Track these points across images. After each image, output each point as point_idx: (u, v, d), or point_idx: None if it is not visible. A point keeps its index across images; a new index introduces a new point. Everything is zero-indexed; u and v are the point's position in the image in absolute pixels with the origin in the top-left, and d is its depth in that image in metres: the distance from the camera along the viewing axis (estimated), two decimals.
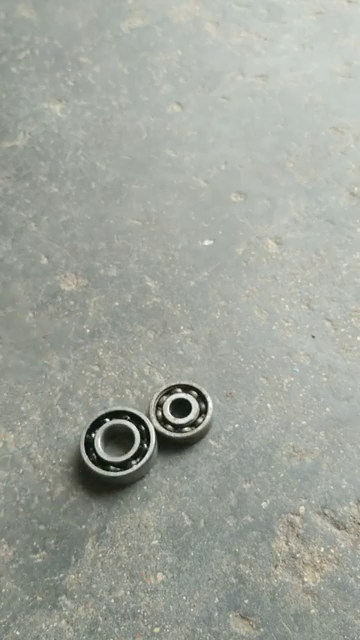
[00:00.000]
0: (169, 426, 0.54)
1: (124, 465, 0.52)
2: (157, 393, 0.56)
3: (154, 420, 0.54)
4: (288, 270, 0.64)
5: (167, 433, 0.53)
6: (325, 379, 0.57)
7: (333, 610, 0.47)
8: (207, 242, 0.66)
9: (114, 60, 0.82)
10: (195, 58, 0.82)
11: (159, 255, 0.65)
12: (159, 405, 0.55)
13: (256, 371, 0.58)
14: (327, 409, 0.56)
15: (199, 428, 0.53)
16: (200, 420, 0.54)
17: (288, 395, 0.56)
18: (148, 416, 0.54)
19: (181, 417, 0.54)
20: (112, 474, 0.51)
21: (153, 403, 0.55)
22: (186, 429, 0.54)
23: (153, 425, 0.53)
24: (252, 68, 0.81)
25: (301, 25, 0.85)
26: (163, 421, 0.54)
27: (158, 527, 0.50)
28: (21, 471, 0.53)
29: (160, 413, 0.55)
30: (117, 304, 0.62)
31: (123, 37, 0.84)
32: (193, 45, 0.83)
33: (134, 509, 0.51)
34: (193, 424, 0.54)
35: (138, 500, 0.51)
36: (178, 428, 0.54)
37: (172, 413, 0.55)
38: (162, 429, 0.54)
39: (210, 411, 0.54)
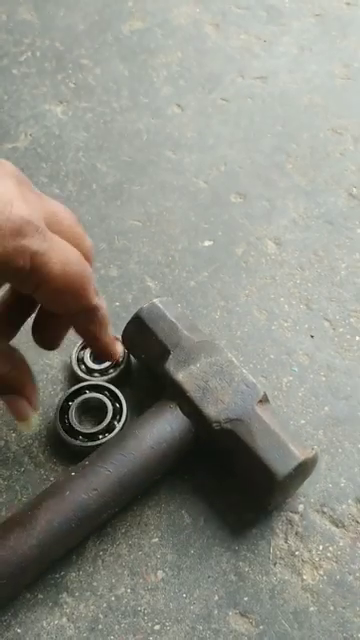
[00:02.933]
0: (80, 437, 0.52)
1: (91, 437, 0.52)
2: (60, 396, 0.55)
3: (61, 431, 0.53)
4: (287, 270, 0.65)
5: (75, 442, 0.52)
6: (324, 378, 0.58)
7: (332, 608, 0.48)
8: (207, 243, 0.67)
9: (115, 62, 0.83)
10: (195, 60, 0.82)
11: (159, 256, 0.66)
12: (63, 410, 0.54)
13: (255, 370, 0.58)
14: (326, 408, 0.56)
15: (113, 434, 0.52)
16: (116, 423, 0.53)
17: (287, 394, 0.57)
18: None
19: (93, 424, 0.53)
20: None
21: (57, 405, 0.54)
22: (100, 437, 0.52)
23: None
24: (251, 70, 0.81)
25: (300, 27, 0.86)
26: (70, 431, 0.53)
27: (158, 525, 0.51)
28: (22, 470, 0.54)
29: (66, 422, 0.53)
30: (118, 304, 0.63)
31: (124, 39, 0.85)
32: (193, 47, 0.84)
33: (134, 507, 0.51)
34: (107, 430, 0.53)
35: (138, 498, 0.51)
36: (90, 437, 0.52)
37: (79, 418, 0.54)
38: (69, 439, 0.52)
39: (125, 412, 0.54)
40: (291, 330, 0.61)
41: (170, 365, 0.52)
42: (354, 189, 0.70)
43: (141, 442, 0.49)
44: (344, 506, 0.51)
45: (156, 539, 0.50)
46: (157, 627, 0.47)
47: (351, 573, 0.49)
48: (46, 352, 0.51)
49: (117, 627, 0.47)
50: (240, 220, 0.68)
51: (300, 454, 0.47)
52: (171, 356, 0.52)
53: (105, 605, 0.48)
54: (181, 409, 0.50)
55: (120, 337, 0.55)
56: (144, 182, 0.72)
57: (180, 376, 0.51)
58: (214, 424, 0.49)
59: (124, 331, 0.55)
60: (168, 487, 0.52)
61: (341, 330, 0.61)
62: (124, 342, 0.56)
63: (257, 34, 0.85)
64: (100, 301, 0.45)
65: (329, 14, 0.87)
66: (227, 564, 0.49)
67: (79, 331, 0.47)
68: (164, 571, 0.49)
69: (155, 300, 0.55)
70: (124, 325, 0.55)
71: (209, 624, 0.47)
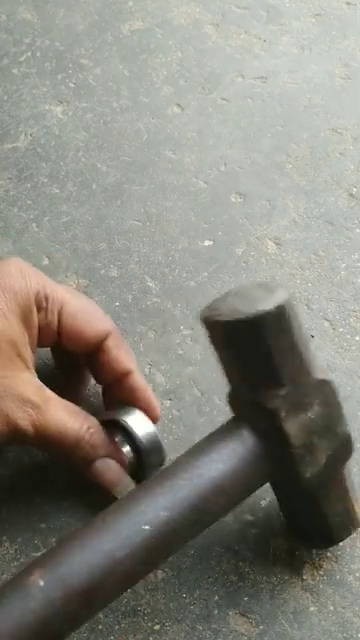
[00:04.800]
0: None
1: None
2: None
3: None
4: (287, 270, 0.65)
5: None
6: None
7: (332, 607, 0.48)
8: (207, 243, 0.67)
9: (115, 62, 0.83)
10: (195, 60, 0.82)
11: (159, 256, 0.66)
12: None
13: None
14: None
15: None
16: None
17: None
18: None
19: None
20: None
21: None
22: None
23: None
24: (251, 70, 0.81)
25: (300, 27, 0.86)
26: None
27: None
28: (22, 469, 0.54)
29: None
30: (118, 304, 0.63)
31: (124, 39, 0.85)
32: (193, 47, 0.84)
33: None
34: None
35: None
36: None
37: None
38: None
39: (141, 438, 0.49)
40: None
41: (281, 406, 0.40)
42: (354, 189, 0.70)
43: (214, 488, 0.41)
44: None
45: None
46: (157, 627, 0.47)
47: (351, 573, 0.49)
48: None
49: (117, 627, 0.47)
50: (240, 220, 0.68)
51: (359, 520, 0.46)
52: (284, 393, 0.40)
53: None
54: (270, 456, 0.42)
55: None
56: (144, 182, 0.72)
57: (289, 425, 0.40)
58: (303, 486, 0.42)
59: (223, 326, 0.41)
60: None
61: (341, 330, 0.61)
62: (213, 335, 0.43)
63: (257, 34, 0.85)
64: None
65: (329, 14, 0.87)
66: (227, 564, 0.49)
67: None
68: (164, 571, 0.49)
69: (282, 301, 0.39)
70: (124, 325, 0.55)
71: (209, 624, 0.47)
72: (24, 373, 0.45)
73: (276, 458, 0.42)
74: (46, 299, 0.47)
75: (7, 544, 0.50)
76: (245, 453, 0.41)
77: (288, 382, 0.40)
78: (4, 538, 0.51)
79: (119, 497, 0.44)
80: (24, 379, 0.45)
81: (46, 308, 0.47)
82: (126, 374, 0.50)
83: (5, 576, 0.49)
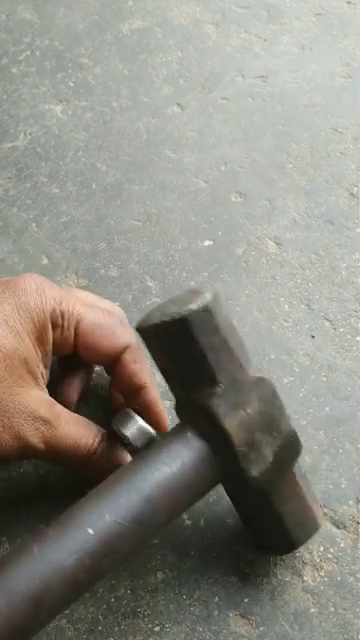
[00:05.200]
0: None
1: None
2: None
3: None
4: (287, 270, 0.65)
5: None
6: (324, 379, 0.58)
7: (332, 609, 0.47)
8: (207, 242, 0.67)
9: (114, 61, 0.82)
10: (195, 59, 0.82)
11: (159, 255, 0.66)
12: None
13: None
14: (326, 409, 0.56)
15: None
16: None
17: (288, 395, 0.57)
18: None
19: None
20: None
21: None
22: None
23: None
24: (252, 69, 0.81)
25: (300, 27, 0.85)
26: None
27: None
28: (22, 470, 0.53)
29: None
30: (118, 304, 0.62)
31: (123, 39, 0.85)
32: (193, 46, 0.84)
33: None
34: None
35: None
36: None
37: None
38: None
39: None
40: (291, 330, 0.61)
41: (219, 405, 0.41)
42: (355, 188, 0.70)
43: (163, 491, 0.41)
44: (345, 507, 0.51)
45: (156, 540, 0.50)
46: (157, 628, 0.47)
47: (352, 574, 0.49)
48: None
49: (117, 628, 0.47)
50: (240, 220, 0.68)
51: (320, 521, 0.46)
52: (220, 391, 0.41)
53: (105, 606, 0.47)
54: (215, 456, 0.42)
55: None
56: (144, 182, 0.71)
57: (229, 423, 0.41)
58: (251, 484, 0.42)
59: (154, 329, 0.43)
60: None
61: (342, 330, 0.61)
62: (148, 343, 0.45)
63: (257, 33, 0.85)
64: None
65: (329, 13, 0.87)
66: (227, 565, 0.49)
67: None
68: (164, 572, 0.49)
69: (207, 300, 0.41)
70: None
71: (209, 625, 0.47)
72: (34, 390, 0.46)
73: (221, 458, 0.42)
74: (62, 316, 0.47)
75: (7, 544, 0.50)
76: (188, 454, 0.42)
77: (223, 380, 0.41)
78: (4, 538, 0.50)
79: None
80: (34, 396, 0.45)
81: (62, 325, 0.47)
82: (141, 388, 0.50)
83: None
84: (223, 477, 0.44)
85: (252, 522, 0.48)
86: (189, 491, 0.42)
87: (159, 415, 0.50)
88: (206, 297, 0.41)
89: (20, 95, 0.79)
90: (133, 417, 0.48)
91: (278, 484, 0.43)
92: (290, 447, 0.43)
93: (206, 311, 0.41)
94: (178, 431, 0.43)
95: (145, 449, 0.44)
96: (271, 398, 0.43)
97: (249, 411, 0.41)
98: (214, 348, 0.41)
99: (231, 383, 0.41)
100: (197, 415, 0.42)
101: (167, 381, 0.46)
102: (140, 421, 0.48)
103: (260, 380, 0.42)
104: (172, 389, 0.46)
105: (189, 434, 0.42)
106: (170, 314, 0.41)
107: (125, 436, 0.48)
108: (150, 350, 0.45)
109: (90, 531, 0.38)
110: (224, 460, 0.42)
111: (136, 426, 0.48)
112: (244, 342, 0.44)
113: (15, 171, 0.73)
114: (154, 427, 0.48)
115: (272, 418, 0.42)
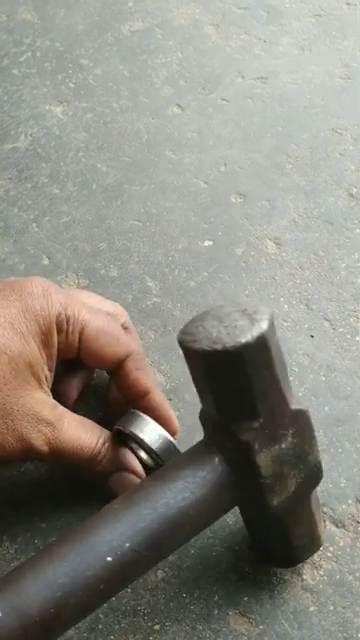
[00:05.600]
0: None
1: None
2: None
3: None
4: (287, 270, 0.65)
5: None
6: (324, 378, 0.58)
7: (332, 608, 0.48)
8: (207, 243, 0.67)
9: (115, 62, 0.83)
10: (195, 60, 0.82)
11: (159, 256, 0.66)
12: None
13: None
14: (326, 408, 0.56)
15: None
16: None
17: None
18: None
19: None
20: None
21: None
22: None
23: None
24: (251, 70, 0.81)
25: (300, 28, 0.86)
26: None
27: None
28: (23, 469, 0.54)
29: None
30: (118, 304, 0.63)
31: (124, 39, 0.85)
32: (193, 47, 0.84)
33: None
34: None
35: None
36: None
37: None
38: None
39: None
40: (291, 330, 0.61)
41: (255, 439, 0.39)
42: (354, 189, 0.70)
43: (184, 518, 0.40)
44: (344, 506, 0.51)
45: None
46: (157, 627, 0.47)
47: (351, 573, 0.49)
48: None
49: (117, 627, 0.47)
50: (240, 220, 0.68)
51: (323, 538, 0.47)
52: (259, 425, 0.39)
53: (105, 605, 0.48)
54: (239, 484, 0.41)
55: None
56: (144, 182, 0.72)
57: (262, 457, 0.39)
58: (269, 513, 0.42)
59: (201, 355, 0.39)
60: None
61: (341, 330, 0.61)
62: (190, 363, 0.41)
63: (257, 34, 0.85)
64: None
65: (329, 15, 0.87)
66: (227, 564, 0.49)
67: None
68: (164, 571, 0.49)
69: (264, 330, 0.37)
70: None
71: (209, 624, 0.47)
72: (38, 393, 0.46)
73: (244, 486, 0.41)
74: (67, 321, 0.47)
75: (7, 544, 0.50)
76: (214, 482, 0.40)
77: (264, 414, 0.39)
78: (4, 537, 0.51)
79: None
80: (38, 398, 0.45)
81: (67, 330, 0.47)
82: (145, 394, 0.50)
83: None
84: (242, 502, 0.43)
85: (259, 538, 0.48)
86: (208, 517, 0.41)
87: (168, 419, 0.50)
88: (262, 326, 0.37)
89: (21, 96, 0.80)
90: (144, 419, 0.48)
91: (294, 510, 0.43)
92: (313, 477, 0.42)
93: (263, 344, 0.37)
94: (204, 454, 0.41)
95: (166, 467, 0.42)
96: (306, 431, 0.41)
97: (283, 446, 0.40)
98: (263, 382, 0.38)
99: (271, 417, 0.39)
100: (229, 442, 0.40)
101: (202, 400, 0.44)
102: (153, 423, 0.48)
103: (298, 413, 0.41)
104: (205, 407, 0.44)
105: (217, 460, 0.41)
106: (223, 343, 0.37)
107: (142, 440, 0.48)
108: (191, 370, 0.42)
109: (109, 559, 0.38)
110: (247, 488, 0.41)
111: (150, 428, 0.48)
112: (287, 368, 0.42)
113: (16, 172, 0.73)
114: (165, 428, 0.49)
115: (303, 451, 0.41)
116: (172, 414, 0.51)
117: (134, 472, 0.48)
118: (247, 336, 0.37)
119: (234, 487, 0.41)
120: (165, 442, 0.48)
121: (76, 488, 0.52)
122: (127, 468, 0.48)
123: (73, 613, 0.38)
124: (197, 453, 0.42)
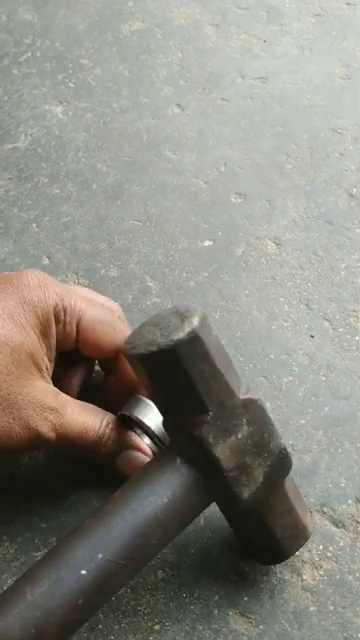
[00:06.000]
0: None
1: None
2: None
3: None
4: (287, 270, 0.65)
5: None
6: (324, 378, 0.58)
7: (332, 607, 0.48)
8: (207, 243, 0.67)
9: (115, 62, 0.83)
10: (195, 60, 0.83)
11: (159, 256, 0.66)
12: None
13: (255, 370, 0.58)
14: (326, 408, 0.56)
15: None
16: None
17: (287, 394, 0.57)
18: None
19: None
20: None
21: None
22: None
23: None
24: (251, 70, 0.81)
25: (300, 28, 0.86)
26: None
27: None
28: (23, 469, 0.54)
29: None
30: (118, 304, 0.63)
31: (124, 39, 0.85)
32: (193, 47, 0.84)
33: None
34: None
35: None
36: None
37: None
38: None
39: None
40: (291, 330, 0.61)
41: (208, 432, 0.40)
42: (354, 189, 0.70)
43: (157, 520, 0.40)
44: (344, 506, 0.51)
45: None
46: (157, 627, 0.47)
47: (351, 573, 0.49)
48: None
49: (117, 627, 0.47)
50: (240, 220, 0.68)
51: (310, 528, 0.46)
52: (209, 418, 0.40)
53: (105, 605, 0.48)
54: (206, 482, 0.41)
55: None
56: (144, 182, 0.72)
57: (219, 450, 0.40)
58: (242, 506, 0.42)
59: (140, 359, 0.41)
60: None
61: (341, 330, 0.61)
62: (135, 369, 0.44)
63: (257, 34, 0.85)
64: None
65: (329, 15, 0.87)
66: (227, 564, 0.49)
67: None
68: (164, 571, 0.49)
69: (195, 326, 0.39)
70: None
71: (209, 624, 0.47)
72: (40, 382, 0.46)
73: (211, 483, 0.41)
74: (64, 311, 0.48)
75: (7, 544, 0.50)
76: (179, 482, 0.40)
77: (213, 407, 0.40)
78: (4, 538, 0.51)
79: None
80: (40, 387, 0.46)
81: (64, 320, 0.48)
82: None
83: (5, 576, 0.49)
84: (214, 499, 0.43)
85: (244, 535, 0.48)
86: (180, 519, 0.41)
87: None
88: (193, 322, 0.39)
89: (21, 96, 0.80)
90: (149, 404, 0.49)
91: (269, 500, 0.43)
92: (281, 464, 0.42)
93: (194, 339, 0.38)
94: (166, 457, 0.42)
95: (133, 476, 0.43)
96: (261, 419, 0.41)
97: (239, 436, 0.40)
98: (203, 376, 0.39)
99: (221, 409, 0.40)
100: (186, 441, 0.41)
101: (155, 404, 0.46)
102: (157, 409, 0.48)
103: (250, 402, 0.41)
104: (160, 411, 0.45)
105: (178, 461, 0.41)
106: (157, 343, 0.39)
107: (146, 425, 0.48)
108: (137, 376, 0.45)
109: (83, 572, 0.38)
110: (215, 485, 0.41)
111: (155, 414, 0.48)
112: (231, 360, 0.43)
113: (16, 172, 0.73)
114: None
115: (262, 439, 0.41)
116: None
117: (140, 450, 0.49)
118: (179, 334, 0.38)
119: (201, 485, 0.41)
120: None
121: (76, 488, 0.52)
122: (132, 446, 0.48)
123: (55, 631, 0.37)
124: (161, 458, 0.43)
